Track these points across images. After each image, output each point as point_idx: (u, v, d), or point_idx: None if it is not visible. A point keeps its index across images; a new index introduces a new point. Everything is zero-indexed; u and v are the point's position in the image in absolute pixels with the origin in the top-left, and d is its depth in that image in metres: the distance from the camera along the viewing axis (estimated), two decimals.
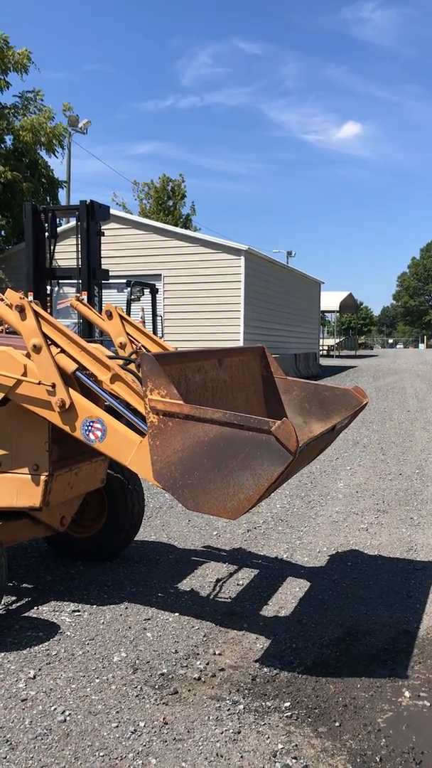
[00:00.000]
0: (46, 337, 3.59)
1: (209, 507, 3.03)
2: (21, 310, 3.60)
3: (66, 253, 13.08)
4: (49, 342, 3.60)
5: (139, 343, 4.43)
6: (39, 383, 3.57)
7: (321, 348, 39.46)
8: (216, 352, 4.07)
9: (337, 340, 53.38)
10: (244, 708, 3.05)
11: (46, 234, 10.56)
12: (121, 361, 3.88)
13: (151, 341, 4.48)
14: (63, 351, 3.60)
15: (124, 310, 13.73)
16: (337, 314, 55.07)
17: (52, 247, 10.66)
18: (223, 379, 4.01)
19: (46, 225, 10.47)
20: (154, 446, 3.10)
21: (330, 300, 41.31)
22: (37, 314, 3.59)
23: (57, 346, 3.61)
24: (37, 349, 3.57)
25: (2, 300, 3.77)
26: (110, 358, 3.83)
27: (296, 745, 2.78)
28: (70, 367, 3.56)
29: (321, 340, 40.44)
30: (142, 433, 3.35)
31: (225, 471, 2.94)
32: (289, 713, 3.01)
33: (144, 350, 4.37)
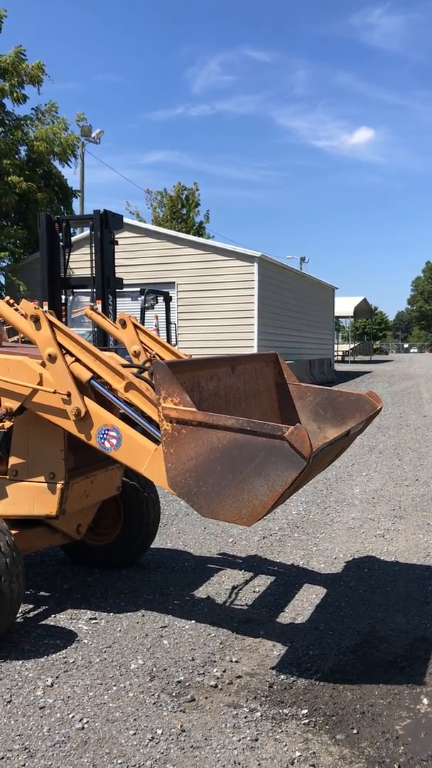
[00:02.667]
0: (60, 346, 3.62)
1: (224, 514, 3.04)
2: (36, 320, 3.63)
3: (80, 263, 13.18)
4: (64, 351, 3.63)
5: (152, 351, 4.45)
6: (54, 392, 3.60)
7: (335, 353, 39.35)
8: (229, 359, 4.08)
9: (352, 346, 53.20)
10: (261, 715, 3.04)
11: (61, 243, 10.64)
12: (135, 370, 3.90)
13: (165, 349, 4.50)
14: (78, 360, 3.63)
15: (138, 319, 13.78)
16: (352, 319, 54.95)
17: (66, 257, 10.74)
18: (237, 386, 4.02)
19: (61, 234, 10.55)
20: (168, 454, 3.11)
21: (344, 305, 41.25)
22: (51, 324, 3.63)
23: (72, 355, 3.64)
24: (52, 358, 3.61)
25: (17, 310, 3.81)
26: (124, 366, 3.85)
27: (314, 753, 2.77)
28: (85, 375, 3.59)
29: (335, 346, 40.34)
30: (156, 441, 3.36)
31: (239, 477, 2.95)
32: (306, 720, 3.00)
33: (158, 358, 4.39)
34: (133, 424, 3.58)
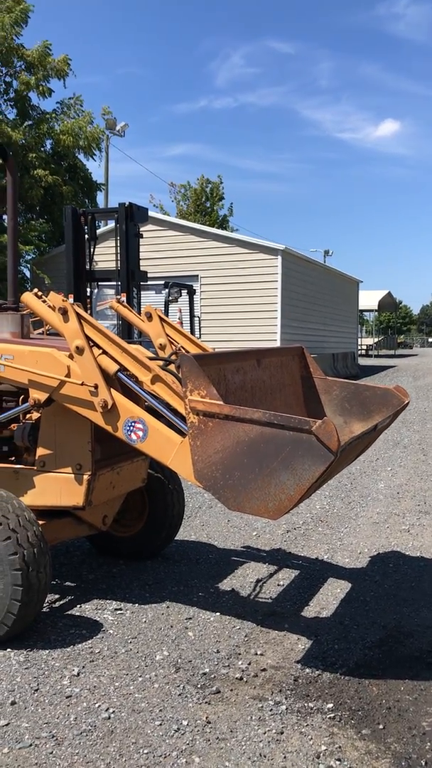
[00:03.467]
0: (88, 338, 3.64)
1: (250, 507, 3.03)
2: (64, 312, 3.65)
3: (105, 255, 13.23)
4: (92, 343, 3.64)
5: (178, 344, 4.45)
6: (82, 384, 3.61)
7: (359, 347, 39.11)
8: (255, 352, 4.07)
9: (376, 340, 52.84)
10: (286, 708, 3.04)
11: (86, 236, 10.68)
12: (161, 362, 3.90)
13: (190, 342, 4.50)
14: (105, 352, 3.64)
15: (162, 312, 13.83)
16: (376, 313, 54.56)
17: (91, 250, 10.78)
18: (263, 380, 4.01)
19: (86, 228, 10.59)
20: (195, 446, 3.11)
21: (368, 299, 40.95)
22: (79, 316, 3.64)
23: (99, 347, 3.65)
24: (79, 350, 3.62)
25: (45, 302, 3.84)
26: (150, 359, 3.86)
27: (340, 747, 2.77)
28: (112, 368, 3.60)
29: (359, 340, 40.08)
30: (182, 434, 3.37)
31: (266, 471, 2.94)
32: (332, 714, 3.00)
33: (183, 351, 4.39)
34: (159, 416, 3.59)
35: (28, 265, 23.35)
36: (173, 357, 4.11)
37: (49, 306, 3.75)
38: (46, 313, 3.74)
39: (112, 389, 3.59)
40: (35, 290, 3.98)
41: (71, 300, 10.67)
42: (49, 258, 22.22)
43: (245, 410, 2.97)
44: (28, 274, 23.71)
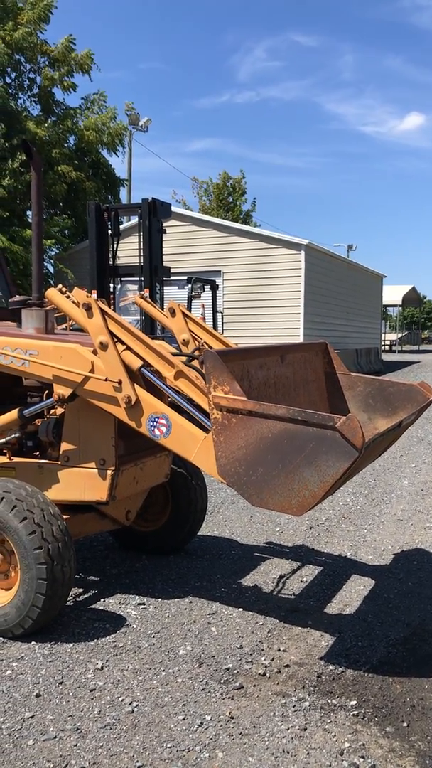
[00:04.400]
0: (112, 334, 3.65)
1: (273, 503, 3.03)
2: (88, 308, 3.67)
3: (128, 251, 13.25)
4: (115, 339, 3.66)
5: (201, 339, 4.45)
6: (106, 380, 3.63)
7: (383, 343, 38.81)
8: (278, 348, 4.06)
9: (400, 335, 52.38)
10: (309, 705, 3.04)
11: (109, 232, 10.72)
12: (184, 358, 3.90)
13: (214, 338, 4.50)
14: (128, 348, 3.65)
15: (185, 307, 13.80)
16: (400, 308, 54.08)
17: (114, 245, 10.81)
18: (286, 375, 3.99)
19: (109, 223, 10.62)
20: (218, 442, 3.11)
21: (392, 294, 40.60)
22: (103, 312, 3.66)
23: (122, 343, 3.66)
24: (103, 346, 3.64)
25: (69, 298, 3.86)
26: (174, 355, 3.86)
27: (363, 744, 2.76)
28: (136, 363, 3.61)
29: (383, 335, 39.78)
30: (206, 429, 3.37)
31: (289, 467, 2.93)
32: (355, 712, 2.99)
33: (207, 347, 4.39)
34: (182, 412, 3.60)
35: (52, 261, 23.48)
36: (197, 353, 4.11)
37: (73, 302, 3.77)
38: (70, 309, 3.76)
39: (135, 385, 3.60)
40: (59, 286, 3.99)
41: (95, 296, 10.76)
42: (72, 253, 22.32)
43: (269, 406, 2.96)
44: (51, 269, 23.86)
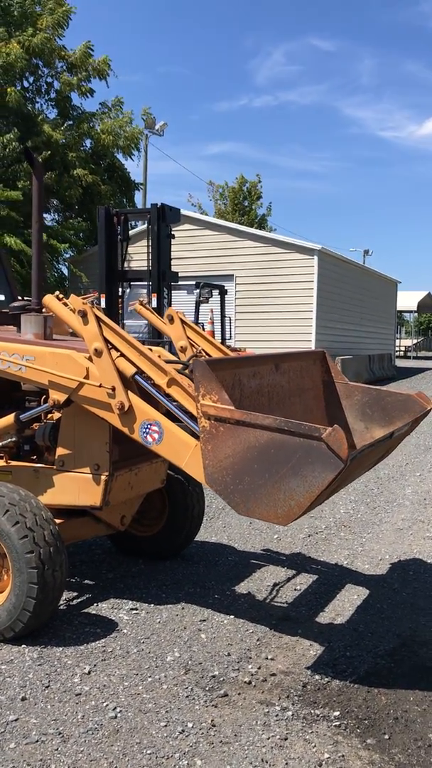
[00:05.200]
0: (106, 341, 3.68)
1: (260, 512, 3.04)
2: (83, 314, 3.70)
3: (139, 255, 13.30)
4: (110, 346, 3.69)
5: (199, 347, 4.47)
6: (100, 386, 3.66)
7: (398, 349, 38.65)
8: (273, 356, 4.07)
9: (415, 341, 52.14)
10: (292, 715, 3.04)
11: (119, 237, 10.77)
12: (179, 366, 3.93)
13: (211, 345, 4.52)
14: (122, 355, 3.68)
15: (194, 312, 13.78)
16: (416, 314, 53.85)
17: (124, 250, 10.87)
18: (281, 384, 4.00)
19: (119, 228, 10.68)
20: (206, 450, 3.13)
21: (407, 299, 40.44)
22: (98, 319, 3.69)
23: (117, 350, 3.69)
24: (98, 352, 3.67)
25: (66, 305, 3.89)
26: (169, 362, 3.89)
27: (343, 756, 2.76)
28: (130, 370, 3.64)
29: (398, 341, 39.61)
30: (198, 437, 3.39)
31: (276, 477, 2.94)
32: (337, 723, 2.99)
33: (204, 354, 4.41)
34: (176, 419, 3.62)
35: (66, 264, 23.63)
36: (191, 361, 4.13)
37: (70, 308, 3.80)
38: (66, 315, 3.80)
39: (129, 392, 3.63)
40: (57, 293, 4.03)
41: (103, 300, 10.81)
42: (86, 256, 22.45)
43: (256, 416, 2.98)
44: (66, 272, 24.02)
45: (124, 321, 11.61)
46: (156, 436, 3.55)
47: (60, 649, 3.58)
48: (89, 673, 3.36)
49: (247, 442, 3.00)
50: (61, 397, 3.81)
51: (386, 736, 2.90)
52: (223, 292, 14.51)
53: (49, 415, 4.09)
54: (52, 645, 3.61)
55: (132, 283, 11.66)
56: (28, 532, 3.50)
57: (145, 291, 11.16)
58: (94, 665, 3.43)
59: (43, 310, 4.28)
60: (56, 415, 4.02)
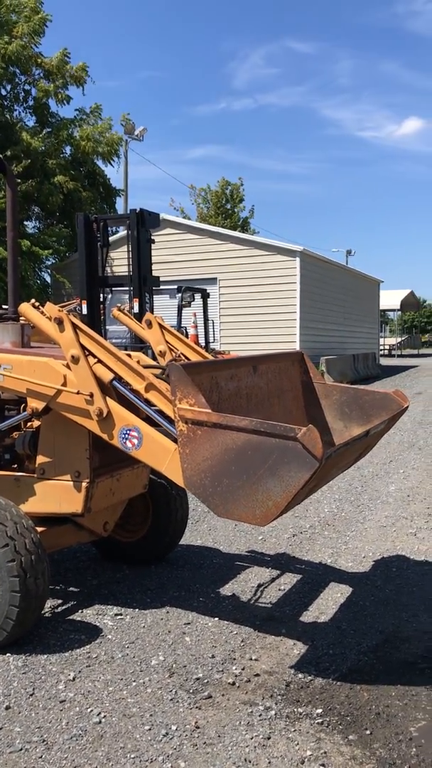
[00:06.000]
0: (83, 348, 3.70)
1: (238, 514, 3.06)
2: (59, 322, 3.71)
3: (121, 260, 13.32)
4: (87, 353, 3.70)
5: (178, 351, 4.49)
6: (78, 393, 3.67)
7: (382, 347, 38.84)
8: (251, 359, 4.10)
9: (399, 339, 52.42)
10: (275, 714, 3.06)
11: (99, 243, 10.79)
12: (158, 371, 3.95)
13: (191, 349, 4.54)
14: (100, 361, 3.70)
15: (177, 316, 13.78)
16: (399, 313, 54.17)
17: (104, 256, 10.89)
18: (259, 386, 4.03)
19: (99, 234, 10.69)
20: (184, 454, 3.15)
21: (390, 298, 40.70)
22: (74, 326, 3.70)
23: (94, 356, 3.71)
24: (75, 359, 3.68)
25: (43, 313, 3.90)
26: (147, 367, 3.90)
27: (325, 752, 2.78)
28: (107, 376, 3.66)
29: (382, 340, 39.81)
30: (177, 441, 3.41)
31: (253, 478, 2.97)
32: (320, 720, 3.01)
33: (183, 358, 4.44)
34: (155, 424, 3.64)
35: (49, 271, 23.60)
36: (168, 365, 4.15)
37: (46, 316, 3.81)
38: (42, 323, 3.81)
39: (107, 398, 3.64)
40: (32, 300, 4.04)
41: (85, 306, 10.81)
42: (69, 263, 22.44)
43: (232, 418, 3.00)
44: (48, 279, 23.97)
45: (107, 327, 11.63)
46: (135, 441, 3.56)
47: (45, 657, 3.58)
48: (74, 679, 3.37)
49: (224, 445, 3.03)
50: (39, 405, 3.82)
51: (368, 732, 2.93)
52: (205, 296, 14.56)
53: (29, 424, 4.09)
54: (37, 653, 3.62)
55: (114, 288, 11.68)
56: (9, 541, 3.50)
57: (126, 296, 11.17)
58: (79, 671, 3.44)
59: (21, 318, 4.29)
60: (36, 423, 4.03)
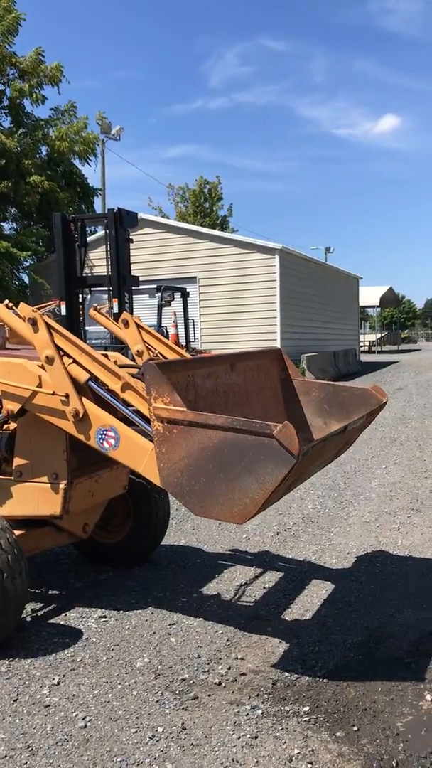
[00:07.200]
0: (58, 348, 3.65)
1: (216, 512, 3.04)
2: (33, 322, 3.66)
3: (100, 260, 13.23)
4: (62, 353, 3.65)
5: (155, 350, 4.46)
6: (53, 394, 3.63)
7: (362, 344, 39.01)
8: (228, 357, 4.08)
9: (379, 336, 52.70)
10: (262, 713, 3.04)
11: (77, 243, 10.71)
12: (135, 370, 3.91)
13: (168, 348, 4.51)
14: (75, 361, 3.65)
15: (157, 315, 13.73)
16: (379, 309, 54.44)
17: (82, 256, 10.81)
18: (237, 384, 4.01)
19: (76, 234, 10.61)
20: (161, 453, 3.12)
21: (370, 295, 40.86)
22: (48, 326, 3.65)
23: (69, 356, 3.66)
24: (50, 360, 3.64)
25: (17, 313, 3.85)
26: (123, 366, 3.87)
27: (312, 750, 2.77)
28: (83, 377, 3.61)
29: (362, 336, 39.99)
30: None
31: (230, 476, 2.94)
32: (307, 718, 3.00)
33: (161, 357, 4.40)
34: (133, 424, 3.60)
35: (27, 272, 23.42)
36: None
37: (21, 317, 3.76)
38: (16, 324, 3.75)
39: (83, 398, 3.60)
40: (6, 301, 3.98)
41: (63, 307, 10.72)
42: (47, 264, 22.29)
43: (208, 416, 2.98)
44: (27, 280, 23.79)
45: (86, 327, 11.55)
46: (112, 441, 3.52)
47: (28, 661, 3.53)
48: (58, 683, 3.32)
49: (200, 443, 3.00)
50: (15, 406, 3.77)
51: (355, 728, 2.91)
52: (184, 295, 14.51)
53: (5, 426, 4.03)
54: (20, 657, 3.57)
55: (92, 288, 11.60)
56: None
57: (106, 296, 11.11)
58: (63, 675, 3.40)
59: None
60: (12, 425, 3.98)
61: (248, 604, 4.24)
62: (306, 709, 3.07)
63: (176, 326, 14.03)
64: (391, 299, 49.46)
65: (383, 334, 55.43)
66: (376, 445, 9.71)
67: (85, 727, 2.97)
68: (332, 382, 4.48)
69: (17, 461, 3.90)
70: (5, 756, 2.78)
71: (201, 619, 4.02)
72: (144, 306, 14.27)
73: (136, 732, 2.92)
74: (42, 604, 4.25)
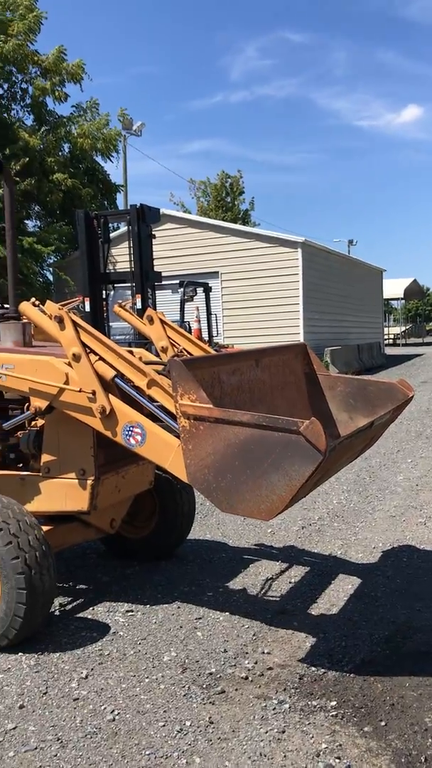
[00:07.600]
0: (84, 345, 3.68)
1: (242, 509, 3.05)
2: (60, 320, 3.70)
3: (123, 257, 13.27)
4: (88, 350, 3.69)
5: (180, 346, 4.48)
6: (80, 391, 3.66)
7: (386, 337, 38.72)
8: (253, 352, 4.08)
9: (404, 328, 52.25)
10: (289, 707, 3.05)
11: (100, 239, 10.76)
12: (160, 367, 3.93)
13: (193, 344, 4.52)
14: (101, 358, 3.68)
15: (179, 311, 13.73)
16: (403, 301, 53.98)
17: (105, 252, 10.86)
18: (262, 380, 4.01)
19: (99, 230, 10.67)
20: (187, 450, 3.14)
21: (394, 287, 40.54)
22: (75, 324, 3.69)
23: (95, 354, 3.69)
24: (76, 357, 3.67)
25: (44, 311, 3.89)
26: (148, 363, 3.89)
27: (340, 745, 2.77)
28: (109, 374, 3.64)
29: (386, 329, 39.68)
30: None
31: (257, 472, 2.95)
32: (334, 712, 3.00)
33: (185, 354, 4.42)
34: (159, 420, 3.62)
35: (51, 269, 23.58)
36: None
37: (47, 315, 3.80)
38: (43, 321, 3.79)
39: (110, 395, 3.63)
40: (33, 299, 4.02)
41: (88, 303, 10.78)
42: (71, 261, 22.40)
43: (234, 413, 2.98)
44: (51, 277, 23.96)
45: (110, 324, 11.61)
46: (139, 438, 3.55)
47: (57, 655, 3.58)
48: (86, 677, 3.37)
49: (226, 440, 3.01)
50: (42, 403, 3.81)
51: (383, 723, 2.91)
52: (207, 290, 14.52)
53: (33, 423, 4.08)
54: (49, 651, 3.62)
55: (116, 284, 11.65)
56: (12, 538, 3.50)
57: (129, 292, 11.15)
58: (92, 669, 3.44)
59: (22, 317, 4.27)
60: (40, 422, 4.02)
61: (274, 598, 4.25)
62: (333, 703, 3.07)
63: (199, 321, 14.04)
64: (415, 291, 49.01)
65: (408, 327, 54.95)
66: (402, 438, 9.65)
67: (114, 720, 3.00)
68: (357, 377, 4.46)
69: (45, 458, 3.95)
70: (36, 748, 2.82)
71: (227, 613, 4.04)
72: (167, 302, 14.31)
73: (163, 726, 2.95)
74: (70, 599, 4.30)
